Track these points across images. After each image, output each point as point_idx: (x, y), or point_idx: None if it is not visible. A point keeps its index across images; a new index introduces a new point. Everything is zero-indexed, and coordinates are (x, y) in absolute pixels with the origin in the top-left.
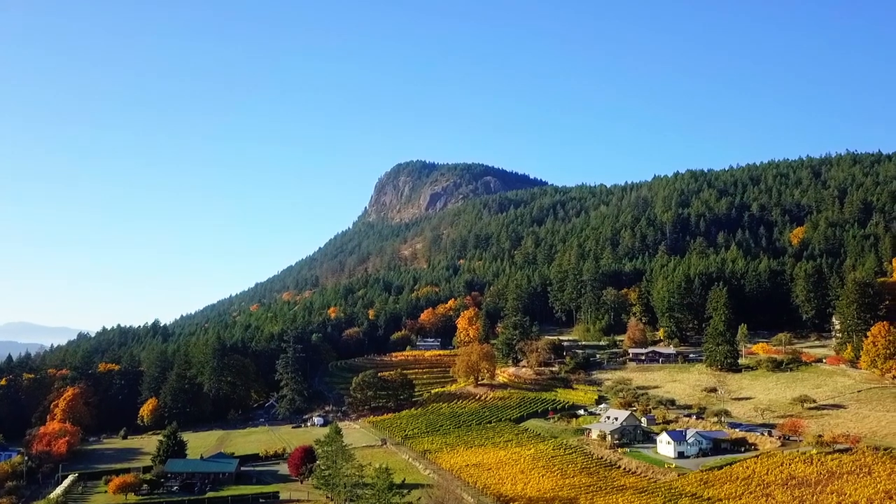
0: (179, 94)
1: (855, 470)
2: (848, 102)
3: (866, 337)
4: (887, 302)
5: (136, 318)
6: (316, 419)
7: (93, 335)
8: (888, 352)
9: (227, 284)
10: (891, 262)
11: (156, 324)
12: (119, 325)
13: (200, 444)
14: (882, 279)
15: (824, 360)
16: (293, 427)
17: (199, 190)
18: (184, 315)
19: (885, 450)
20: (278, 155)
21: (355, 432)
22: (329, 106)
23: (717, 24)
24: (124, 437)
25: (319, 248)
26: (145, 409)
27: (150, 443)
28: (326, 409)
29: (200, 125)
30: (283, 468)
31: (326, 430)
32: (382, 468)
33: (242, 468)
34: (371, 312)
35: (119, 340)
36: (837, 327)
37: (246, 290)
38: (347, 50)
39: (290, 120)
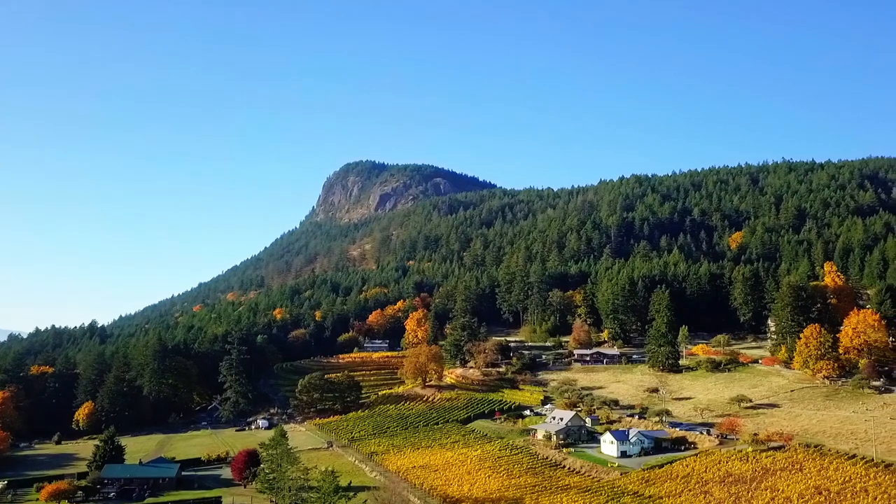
0: (123, 96)
1: (787, 467)
2: (784, 111)
3: (799, 338)
4: (819, 305)
5: (72, 318)
6: (260, 422)
7: (25, 336)
8: (819, 353)
9: (169, 284)
10: (822, 267)
11: (93, 325)
12: (53, 326)
13: (140, 448)
14: (814, 283)
15: (760, 361)
16: (237, 430)
17: (139, 185)
18: (123, 316)
19: (816, 447)
20: (222, 151)
21: (301, 435)
22: (277, 103)
23: (663, 31)
24: (58, 443)
25: (265, 248)
26: (81, 413)
27: (85, 448)
28: (271, 411)
29: (146, 121)
30: (227, 472)
31: (271, 432)
32: (328, 471)
33: (184, 473)
34: (318, 314)
35: (53, 342)
36: (773, 329)
37: (189, 290)
38: (298, 49)
39: (237, 116)
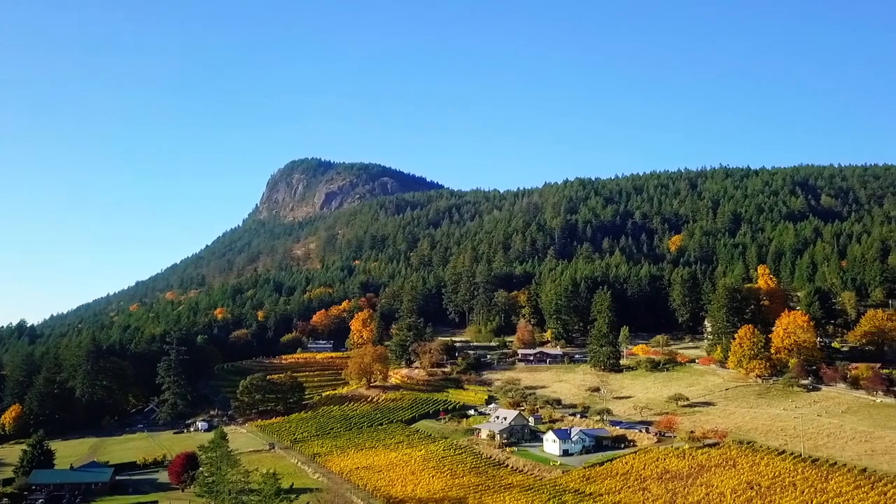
0: (56, 85)
1: (722, 463)
2: (721, 118)
3: (734, 339)
4: (752, 306)
5: None
6: (200, 424)
7: None
8: (752, 353)
9: (104, 283)
10: (756, 270)
11: (21, 324)
12: None
13: (71, 452)
14: (748, 285)
15: (697, 361)
16: (175, 433)
17: (72, 176)
18: (55, 315)
19: (748, 443)
20: (162, 145)
21: (242, 437)
22: (219, 98)
23: (605, 36)
24: None
25: (206, 246)
26: (7, 417)
27: (12, 453)
28: (211, 413)
29: (80, 111)
30: (164, 476)
31: (211, 435)
32: (269, 473)
33: (118, 477)
34: (260, 314)
35: None
36: (709, 330)
37: (125, 288)
38: (241, 41)
39: (178, 109)
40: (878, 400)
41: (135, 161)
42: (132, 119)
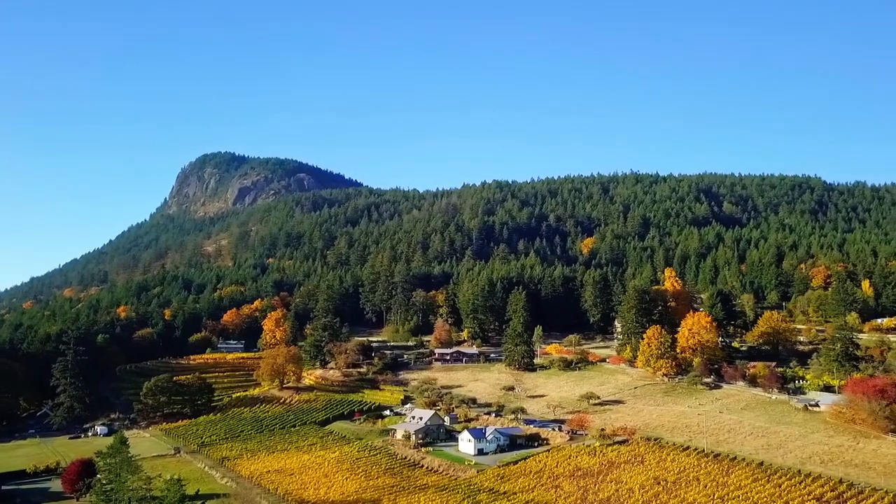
0: None
1: (631, 459)
2: (630, 124)
3: (642, 339)
4: (660, 307)
5: None
6: (99, 428)
7: None
8: (659, 352)
9: None
10: (663, 272)
11: None
12: None
13: None
14: (656, 287)
15: (608, 360)
16: (71, 438)
17: None
18: None
19: (655, 440)
20: (64, 134)
21: (145, 441)
22: (126, 86)
23: (529, 34)
24: None
25: (110, 241)
26: None
27: None
28: (112, 416)
29: None
30: (57, 485)
31: (111, 439)
32: (173, 479)
33: (4, 487)
34: (168, 312)
35: None
36: (619, 330)
37: (18, 285)
38: (152, 25)
39: (80, 97)
40: (774, 397)
41: (33, 150)
42: (35, 106)
